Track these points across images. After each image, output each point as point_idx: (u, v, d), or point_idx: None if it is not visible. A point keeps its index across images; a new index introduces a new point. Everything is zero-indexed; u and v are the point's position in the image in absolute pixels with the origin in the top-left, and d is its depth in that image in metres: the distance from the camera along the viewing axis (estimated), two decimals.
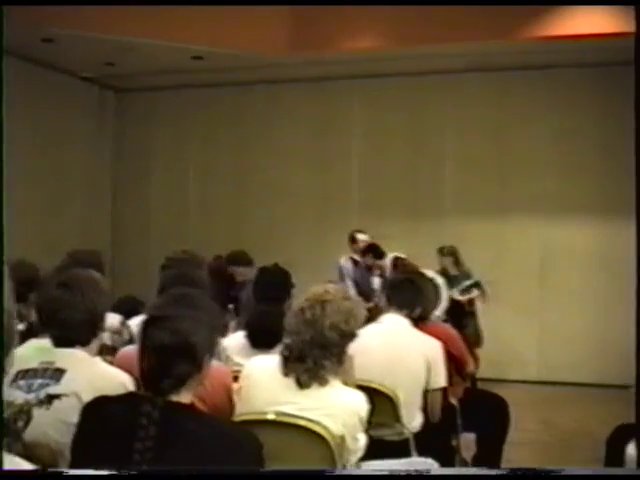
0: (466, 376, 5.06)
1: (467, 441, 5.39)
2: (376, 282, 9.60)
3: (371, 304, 8.77)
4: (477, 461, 5.55)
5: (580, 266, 10.13)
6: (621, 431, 4.04)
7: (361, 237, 10.13)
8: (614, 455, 3.92)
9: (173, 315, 2.45)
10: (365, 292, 9.29)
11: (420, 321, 4.71)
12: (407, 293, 4.70)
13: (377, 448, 3.83)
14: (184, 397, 2.42)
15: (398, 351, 4.37)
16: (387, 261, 9.42)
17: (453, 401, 4.72)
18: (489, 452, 5.58)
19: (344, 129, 11.88)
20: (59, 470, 2.23)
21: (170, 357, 2.40)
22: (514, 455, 6.37)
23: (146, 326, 2.48)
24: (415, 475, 2.01)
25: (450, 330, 5.22)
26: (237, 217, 12.26)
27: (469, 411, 4.92)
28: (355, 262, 9.94)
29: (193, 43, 9.90)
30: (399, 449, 4.16)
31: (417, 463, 3.97)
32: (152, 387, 2.40)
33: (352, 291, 9.57)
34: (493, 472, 2.03)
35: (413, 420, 4.26)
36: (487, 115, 11.37)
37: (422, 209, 11.51)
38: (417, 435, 4.27)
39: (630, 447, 3.81)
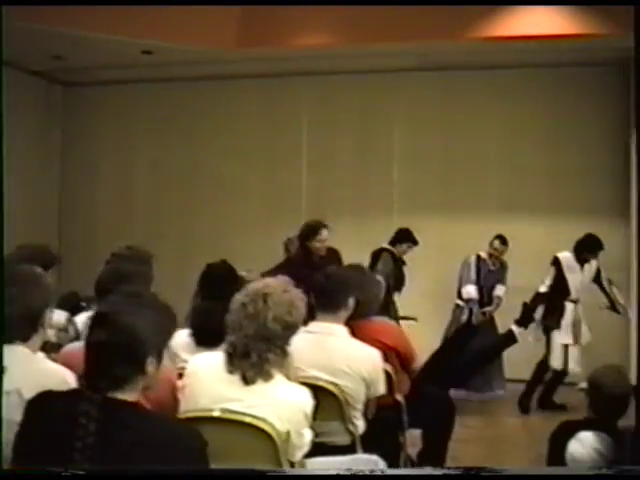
0: (412, 372, 5.06)
1: (413, 437, 5.42)
2: None
3: None
4: (422, 457, 5.59)
5: (528, 264, 10.19)
6: (564, 428, 4.09)
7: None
8: (556, 451, 3.97)
9: (119, 313, 2.42)
10: None
11: (359, 318, 4.61)
12: (330, 292, 4.47)
13: (324, 446, 3.86)
14: (129, 395, 2.40)
15: (331, 371, 4.17)
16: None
17: (399, 397, 4.73)
18: (434, 448, 5.62)
19: (293, 126, 11.86)
20: (59, 470, 2.22)
21: (110, 355, 2.38)
22: (459, 452, 6.44)
23: (92, 323, 2.46)
24: (415, 475, 2.05)
25: (393, 325, 5.21)
26: (186, 213, 12.19)
27: (415, 407, 4.94)
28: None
29: (142, 37, 9.80)
30: (345, 446, 4.17)
31: (363, 460, 3.97)
32: (92, 385, 2.37)
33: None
34: (495, 473, 2.05)
35: (357, 420, 4.26)
36: (435, 114, 11.43)
37: (370, 207, 11.54)
38: (364, 433, 4.27)
39: (572, 444, 3.87)
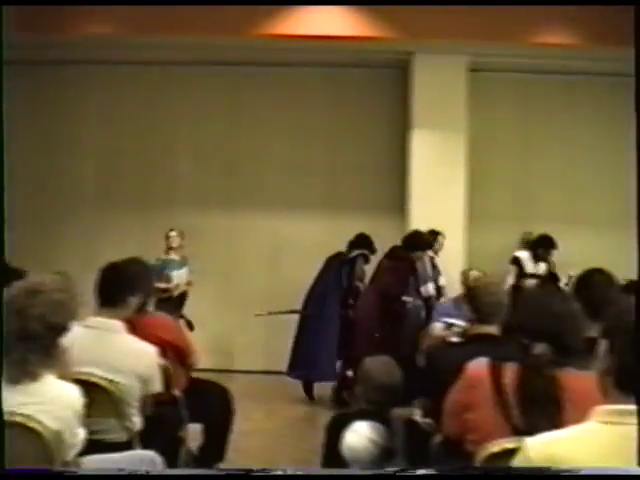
0: (189, 366, 5.03)
1: (193, 432, 5.40)
2: None
3: None
4: (203, 451, 5.57)
5: (308, 259, 10.38)
6: (339, 419, 4.20)
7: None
8: (332, 442, 4.07)
9: None
10: None
11: (139, 313, 4.50)
12: (108, 286, 4.35)
13: (100, 443, 3.77)
14: None
15: (107, 367, 4.06)
16: None
17: (177, 392, 4.69)
18: (215, 442, 5.62)
19: (80, 116, 11.48)
20: (59, 470, 2.06)
21: None
22: (242, 444, 6.48)
23: None
24: (415, 475, 2.04)
25: (170, 320, 5.15)
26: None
27: (194, 401, 4.91)
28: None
29: None
30: (122, 443, 4.09)
31: (139, 456, 3.92)
32: None
33: None
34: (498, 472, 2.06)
35: (134, 417, 4.19)
36: (221, 109, 11.42)
37: (154, 201, 11.38)
38: (142, 429, 4.21)
39: (347, 434, 3.98)
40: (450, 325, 6.36)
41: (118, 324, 4.26)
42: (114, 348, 4.15)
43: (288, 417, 8.68)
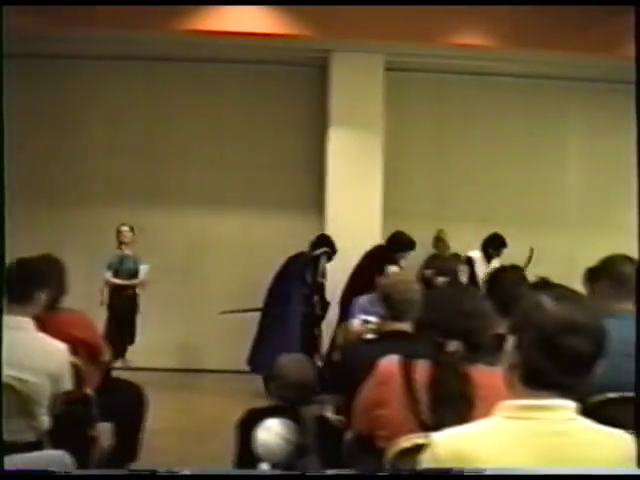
0: (101, 364, 4.96)
1: (105, 430, 5.33)
2: None
3: None
4: (116, 450, 5.51)
5: (224, 257, 10.36)
6: (250, 415, 4.19)
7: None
8: (244, 438, 4.07)
9: None
10: None
11: (49, 310, 4.46)
12: (18, 283, 4.23)
13: (7, 444, 3.69)
14: None
15: (15, 366, 3.88)
16: None
17: (88, 391, 4.62)
18: (127, 440, 5.56)
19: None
20: (59, 470, 1.97)
21: None
22: (155, 442, 6.40)
23: None
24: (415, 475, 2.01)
25: (81, 317, 5.07)
26: None
27: (106, 400, 4.85)
28: None
29: None
30: (31, 443, 4.01)
31: (48, 456, 3.85)
32: None
33: None
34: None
35: (43, 416, 4.11)
36: (139, 104, 11.28)
37: (70, 196, 11.17)
38: (52, 429, 4.13)
39: (259, 431, 3.98)
40: (366, 322, 6.40)
41: (27, 321, 4.17)
42: (23, 346, 4.06)
43: (201, 415, 8.64)
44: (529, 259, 10.16)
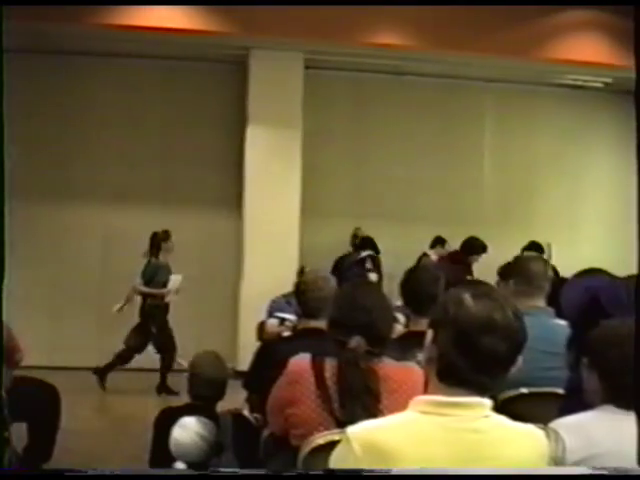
0: (15, 364, 4.88)
1: (22, 432, 5.26)
2: None
3: None
4: (29, 452, 5.43)
5: (141, 253, 10.23)
6: (167, 414, 4.18)
7: None
8: (161, 438, 4.04)
9: None
10: None
11: None
12: None
13: None
14: None
15: None
16: None
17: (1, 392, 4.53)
18: (41, 441, 5.48)
19: None
20: (59, 470, 1.89)
21: None
22: (70, 443, 6.31)
23: None
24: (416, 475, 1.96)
25: None
26: None
27: (19, 400, 4.76)
28: None
29: None
30: None
31: None
32: None
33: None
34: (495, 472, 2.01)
35: None
36: (54, 97, 11.07)
37: None
38: None
39: (175, 429, 3.96)
40: (283, 320, 6.43)
41: None
42: None
43: (117, 415, 8.57)
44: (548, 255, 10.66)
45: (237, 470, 2.55)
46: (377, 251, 10.49)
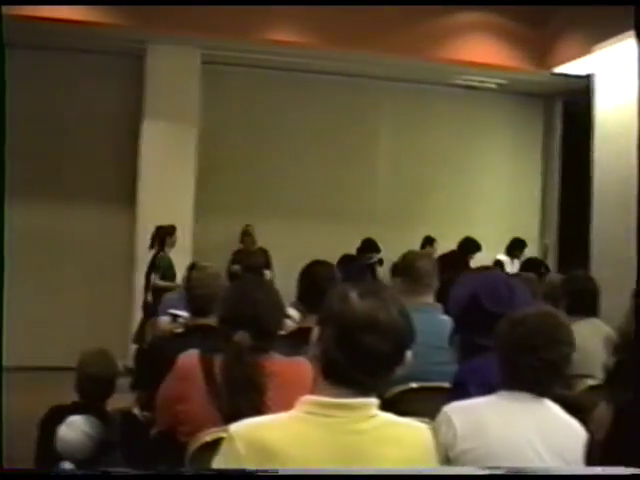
0: None
1: None
2: None
3: None
4: None
5: (31, 251, 10.01)
6: (54, 412, 4.09)
7: None
8: (46, 437, 3.96)
9: None
10: None
11: None
12: None
13: None
14: None
15: None
16: None
17: None
18: None
19: None
20: (59, 470, 1.77)
21: None
22: None
23: None
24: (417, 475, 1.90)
25: None
26: None
27: None
28: None
29: None
30: None
31: None
32: None
33: None
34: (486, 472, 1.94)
35: None
36: None
37: None
38: None
39: (61, 428, 3.88)
40: (175, 317, 6.37)
41: None
42: None
43: (9, 415, 8.32)
44: (545, 254, 11.53)
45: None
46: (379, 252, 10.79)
